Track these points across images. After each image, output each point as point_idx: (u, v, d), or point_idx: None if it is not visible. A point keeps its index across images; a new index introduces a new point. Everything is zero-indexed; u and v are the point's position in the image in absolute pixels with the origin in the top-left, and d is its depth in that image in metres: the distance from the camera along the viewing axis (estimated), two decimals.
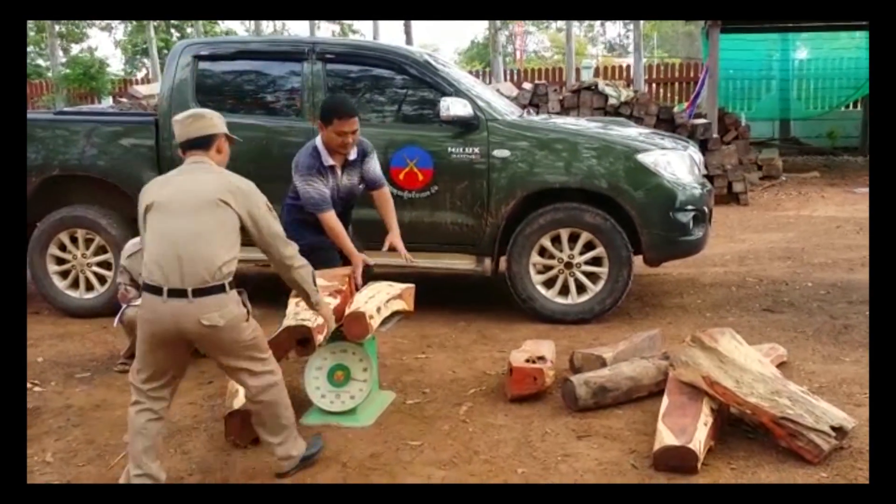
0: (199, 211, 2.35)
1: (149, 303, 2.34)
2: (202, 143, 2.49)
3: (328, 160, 3.36)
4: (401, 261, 3.58)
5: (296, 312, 2.81)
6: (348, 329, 2.90)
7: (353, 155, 3.43)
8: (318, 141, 3.38)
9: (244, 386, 2.52)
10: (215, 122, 2.54)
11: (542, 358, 3.19)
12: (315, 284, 2.65)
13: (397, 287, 3.29)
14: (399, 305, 3.23)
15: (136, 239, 3.76)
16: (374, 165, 3.52)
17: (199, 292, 2.28)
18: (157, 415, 2.45)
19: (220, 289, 2.32)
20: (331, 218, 3.32)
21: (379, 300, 3.08)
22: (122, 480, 2.47)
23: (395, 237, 3.52)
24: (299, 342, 2.78)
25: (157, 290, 2.31)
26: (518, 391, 3.14)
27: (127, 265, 3.76)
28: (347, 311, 2.92)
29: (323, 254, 3.29)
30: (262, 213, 2.45)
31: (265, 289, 3.48)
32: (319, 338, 2.78)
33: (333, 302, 2.88)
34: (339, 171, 3.42)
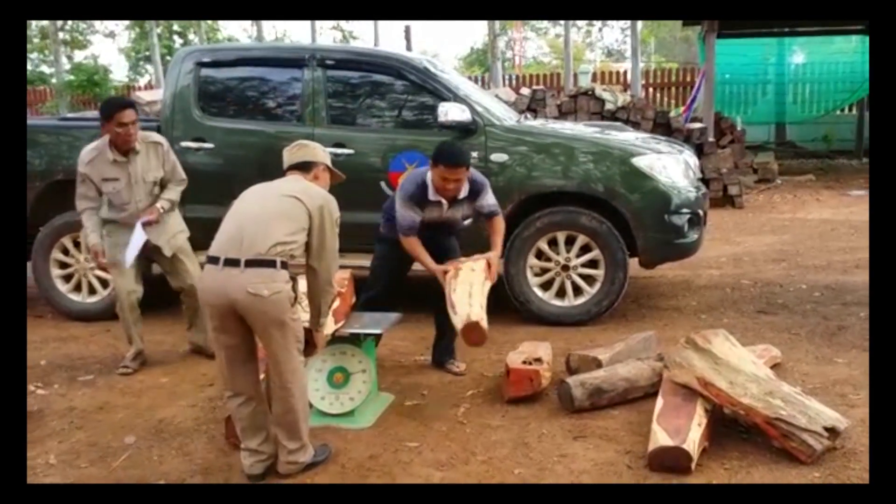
0: (270, 199, 2.57)
1: (207, 273, 2.51)
2: (301, 167, 2.77)
3: (433, 196, 3.34)
4: None
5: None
6: (467, 338, 3.01)
7: (462, 193, 3.39)
8: (430, 175, 3.34)
9: (277, 369, 2.56)
10: (317, 152, 2.84)
11: (538, 360, 3.23)
12: (330, 307, 2.77)
13: (478, 265, 3.29)
14: (488, 286, 3.28)
15: (93, 143, 3.72)
16: (487, 200, 3.49)
17: (251, 263, 2.43)
18: (242, 398, 2.57)
19: (270, 263, 2.44)
20: (413, 243, 3.35)
21: (478, 295, 3.11)
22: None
23: (492, 254, 3.47)
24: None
25: (215, 261, 2.48)
26: (515, 392, 3.18)
27: (88, 172, 3.64)
28: (459, 321, 3.00)
29: (393, 247, 3.40)
30: (329, 222, 2.59)
31: None
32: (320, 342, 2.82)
33: (334, 305, 2.92)
34: (444, 205, 3.38)
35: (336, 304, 2.95)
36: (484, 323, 3.03)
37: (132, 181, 3.66)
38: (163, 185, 3.80)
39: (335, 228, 2.63)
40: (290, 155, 2.82)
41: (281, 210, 2.53)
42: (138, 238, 3.65)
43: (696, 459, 2.55)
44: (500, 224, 3.55)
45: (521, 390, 3.17)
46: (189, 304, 3.87)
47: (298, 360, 2.58)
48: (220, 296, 2.45)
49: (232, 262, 2.43)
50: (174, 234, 3.82)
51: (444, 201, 3.37)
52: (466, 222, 3.63)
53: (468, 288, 3.16)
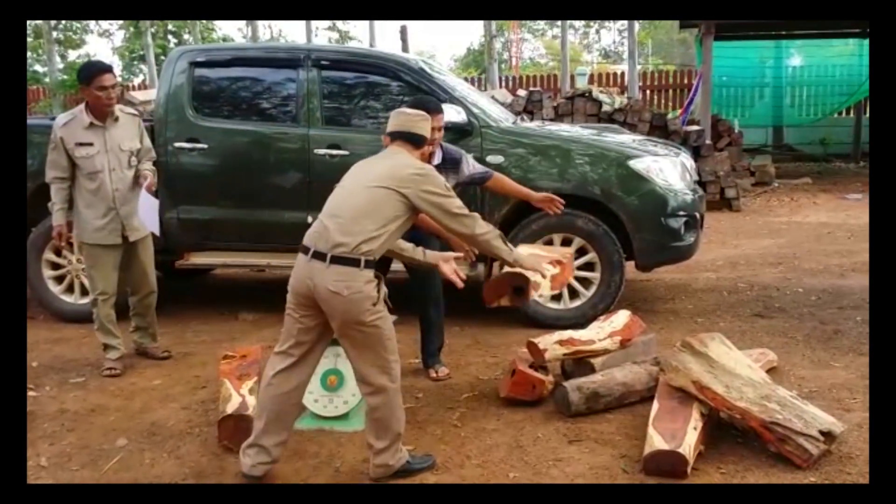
0: (362, 192, 2.51)
1: (298, 261, 2.51)
2: (415, 141, 2.68)
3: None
4: (393, 265, 3.57)
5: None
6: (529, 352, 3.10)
7: (436, 160, 3.35)
8: None
9: (361, 387, 2.55)
10: (429, 127, 2.75)
11: (544, 367, 3.21)
12: (506, 244, 2.74)
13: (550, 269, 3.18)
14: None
15: (72, 110, 3.69)
16: (474, 166, 3.48)
17: (336, 260, 2.41)
18: (294, 373, 2.55)
19: (355, 262, 2.42)
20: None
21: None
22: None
23: (537, 195, 3.51)
24: (515, 290, 2.83)
25: (305, 251, 2.48)
26: (514, 394, 3.16)
27: (63, 135, 3.55)
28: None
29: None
30: (432, 195, 2.53)
31: (261, 293, 3.50)
32: (533, 293, 2.85)
33: (553, 271, 2.94)
34: None
35: (555, 271, 2.96)
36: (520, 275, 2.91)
37: (106, 147, 3.59)
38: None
39: (447, 193, 2.56)
40: (407, 122, 2.68)
41: (369, 205, 2.47)
42: (150, 203, 3.58)
43: (692, 463, 2.54)
44: (501, 177, 3.54)
45: (522, 393, 3.16)
46: (139, 308, 3.85)
47: (387, 373, 2.52)
48: (303, 285, 2.45)
49: (319, 256, 2.43)
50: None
51: None
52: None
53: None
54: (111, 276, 3.71)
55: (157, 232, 3.72)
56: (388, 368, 2.53)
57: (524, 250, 3.10)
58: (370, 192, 2.50)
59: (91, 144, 3.57)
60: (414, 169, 2.55)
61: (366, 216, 2.46)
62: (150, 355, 3.90)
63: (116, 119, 3.63)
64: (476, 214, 2.65)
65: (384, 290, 2.52)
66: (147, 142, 3.81)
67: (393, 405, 2.54)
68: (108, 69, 3.61)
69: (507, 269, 2.80)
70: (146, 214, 3.59)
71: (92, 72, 3.55)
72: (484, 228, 2.65)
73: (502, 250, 2.71)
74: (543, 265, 2.93)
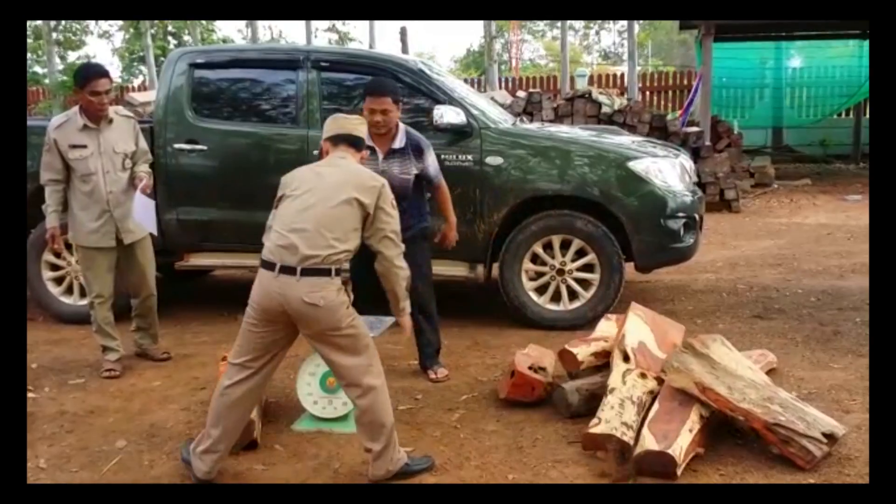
0: (325, 205, 2.48)
1: (262, 277, 2.47)
2: (354, 143, 2.69)
3: (368, 140, 3.23)
4: None
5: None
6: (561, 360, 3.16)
7: (399, 143, 3.36)
8: None
9: (347, 391, 2.55)
10: (366, 131, 2.78)
11: (543, 369, 3.21)
12: (407, 289, 2.71)
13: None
14: None
15: (67, 112, 3.69)
16: (432, 161, 3.48)
17: (306, 272, 2.40)
18: (251, 383, 2.54)
19: (325, 272, 2.42)
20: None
21: None
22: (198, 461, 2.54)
23: (447, 226, 3.60)
24: None
25: (271, 267, 2.44)
26: (513, 395, 3.16)
27: (57, 137, 3.55)
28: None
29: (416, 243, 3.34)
30: (383, 210, 2.55)
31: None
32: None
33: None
34: (379, 155, 3.35)
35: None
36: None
37: (100, 150, 3.59)
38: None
39: (394, 211, 2.59)
40: (347, 124, 2.71)
41: (334, 219, 2.47)
42: (145, 203, 3.57)
43: (682, 465, 2.52)
44: (442, 193, 3.59)
45: (521, 394, 3.15)
46: (141, 309, 3.85)
47: (370, 372, 2.52)
48: (273, 302, 2.42)
49: (288, 270, 2.41)
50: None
51: (378, 151, 3.33)
52: (411, 179, 3.42)
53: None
54: (106, 279, 3.70)
55: (154, 231, 3.72)
56: (371, 367, 2.54)
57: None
58: (333, 203, 2.48)
59: (85, 146, 3.57)
60: (374, 181, 2.57)
61: (331, 227, 2.45)
62: (150, 356, 3.89)
63: (111, 121, 3.63)
64: (403, 246, 2.66)
65: (349, 289, 2.54)
66: (143, 144, 3.81)
67: (382, 403, 2.55)
68: (103, 73, 3.60)
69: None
70: (142, 215, 3.59)
71: (87, 75, 3.54)
72: (403, 263, 2.65)
73: (403, 292, 2.67)
74: (409, 323, 2.86)
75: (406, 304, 2.71)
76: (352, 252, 2.51)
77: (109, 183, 3.62)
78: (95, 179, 3.60)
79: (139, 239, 3.74)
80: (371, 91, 3.32)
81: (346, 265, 2.52)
